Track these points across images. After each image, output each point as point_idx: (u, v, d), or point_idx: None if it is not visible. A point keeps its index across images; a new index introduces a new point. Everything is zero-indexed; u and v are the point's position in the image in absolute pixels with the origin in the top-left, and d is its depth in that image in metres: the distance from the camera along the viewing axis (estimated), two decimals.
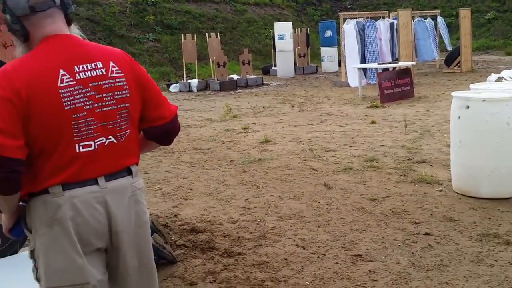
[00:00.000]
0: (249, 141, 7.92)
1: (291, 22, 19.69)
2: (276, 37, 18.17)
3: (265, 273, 3.54)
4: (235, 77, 16.29)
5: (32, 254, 2.00)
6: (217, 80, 15.34)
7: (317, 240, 4.03)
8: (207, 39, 15.96)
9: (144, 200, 2.12)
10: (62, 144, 1.89)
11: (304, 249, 3.89)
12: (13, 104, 1.80)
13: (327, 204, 4.84)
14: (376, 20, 15.13)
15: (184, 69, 15.97)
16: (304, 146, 7.38)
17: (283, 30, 18.16)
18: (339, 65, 18.35)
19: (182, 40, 15.81)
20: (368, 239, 3.99)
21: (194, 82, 15.30)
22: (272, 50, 19.11)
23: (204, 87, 15.33)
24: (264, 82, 16.40)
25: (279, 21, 21.82)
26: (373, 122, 8.88)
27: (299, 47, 19.62)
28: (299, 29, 20.22)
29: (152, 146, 2.25)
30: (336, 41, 19.00)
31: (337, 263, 3.64)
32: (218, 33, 16.96)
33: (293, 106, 11.38)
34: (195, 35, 16.61)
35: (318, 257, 3.74)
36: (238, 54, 18.03)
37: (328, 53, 19.41)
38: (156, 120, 2.12)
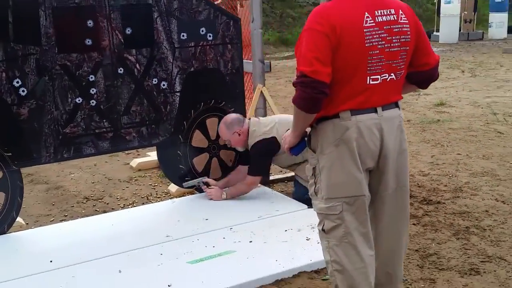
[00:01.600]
0: (422, 103, 7.90)
1: None
2: (443, 2, 17.42)
3: (468, 221, 3.66)
4: None
5: (313, 171, 2.33)
6: None
7: None
8: None
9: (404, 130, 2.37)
10: (357, 76, 2.19)
11: (504, 203, 3.94)
12: (329, 38, 2.11)
13: None
14: None
15: None
16: (483, 110, 7.21)
17: None
18: (509, 32, 17.26)
19: None
20: None
21: None
22: (436, 15, 18.39)
23: None
24: None
25: None
26: None
27: (466, 12, 18.62)
28: None
29: (409, 89, 2.48)
30: (507, 7, 17.77)
31: None
32: None
33: (463, 71, 11.01)
34: None
35: None
36: None
37: (497, 18, 18.21)
38: (423, 65, 2.35)
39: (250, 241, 3.40)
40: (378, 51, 2.18)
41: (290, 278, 3.00)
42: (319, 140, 2.29)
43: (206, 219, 3.76)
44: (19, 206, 3.65)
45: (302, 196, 3.90)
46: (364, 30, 2.15)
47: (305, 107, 2.17)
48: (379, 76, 2.22)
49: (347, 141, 2.22)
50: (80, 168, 5.18)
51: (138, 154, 5.53)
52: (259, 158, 3.97)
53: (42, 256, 3.26)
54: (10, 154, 3.53)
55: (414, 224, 3.67)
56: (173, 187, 4.46)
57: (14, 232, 3.66)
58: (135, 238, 3.49)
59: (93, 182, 4.81)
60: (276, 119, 3.99)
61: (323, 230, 2.34)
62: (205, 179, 4.19)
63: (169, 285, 2.89)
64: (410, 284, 2.93)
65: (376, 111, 2.24)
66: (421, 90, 2.49)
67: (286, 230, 3.52)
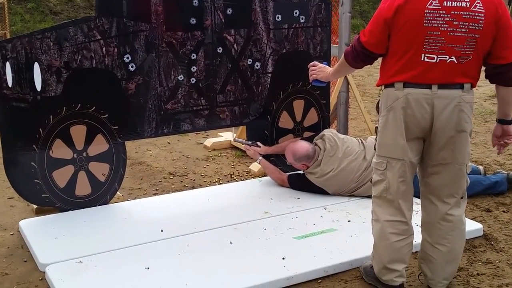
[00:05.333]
0: (476, 94, 7.80)
1: None
2: None
3: None
4: None
5: (376, 130, 2.71)
6: None
7: None
8: None
9: (469, 112, 2.50)
10: (412, 51, 2.43)
11: None
12: (385, 20, 2.43)
13: None
14: None
15: None
16: None
17: None
18: None
19: None
20: None
21: None
22: None
23: None
24: None
25: None
26: None
27: None
28: None
29: (498, 90, 2.56)
30: None
31: None
32: None
33: None
34: None
35: None
36: None
37: None
38: (497, 58, 2.48)
39: (349, 220, 3.49)
40: (438, 33, 2.39)
41: None
42: (381, 103, 2.60)
43: (298, 199, 3.86)
44: (121, 177, 3.78)
45: None
46: (425, 11, 2.38)
47: (348, 61, 2.66)
48: (435, 56, 2.41)
49: (395, 109, 2.51)
50: (156, 145, 5.31)
51: (207, 135, 5.64)
52: (297, 182, 4.01)
53: (152, 226, 3.39)
54: (117, 127, 3.66)
55: (504, 211, 3.75)
56: (254, 166, 4.57)
57: (114, 203, 3.80)
58: (235, 212, 3.61)
59: (173, 160, 4.93)
60: (341, 166, 3.80)
61: (371, 181, 2.75)
62: (258, 143, 4.23)
63: (283, 258, 3.00)
64: None
65: (430, 88, 2.44)
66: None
67: None
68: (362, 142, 3.98)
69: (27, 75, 3.39)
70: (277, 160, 4.30)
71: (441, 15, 2.37)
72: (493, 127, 2.71)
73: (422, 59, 2.42)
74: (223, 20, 3.88)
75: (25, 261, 3.10)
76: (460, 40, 2.39)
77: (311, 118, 4.46)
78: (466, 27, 2.38)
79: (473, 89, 2.52)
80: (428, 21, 2.38)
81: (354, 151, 3.87)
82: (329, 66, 4.38)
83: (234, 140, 4.83)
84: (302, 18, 4.21)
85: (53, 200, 3.57)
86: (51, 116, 3.45)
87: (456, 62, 2.42)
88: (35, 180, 3.48)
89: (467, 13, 2.37)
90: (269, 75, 4.17)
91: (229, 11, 3.89)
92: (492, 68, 2.49)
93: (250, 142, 4.25)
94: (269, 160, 4.21)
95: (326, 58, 4.36)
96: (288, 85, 4.28)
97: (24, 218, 3.55)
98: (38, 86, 3.40)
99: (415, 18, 2.38)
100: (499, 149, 2.75)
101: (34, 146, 3.44)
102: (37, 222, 3.48)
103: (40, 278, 2.91)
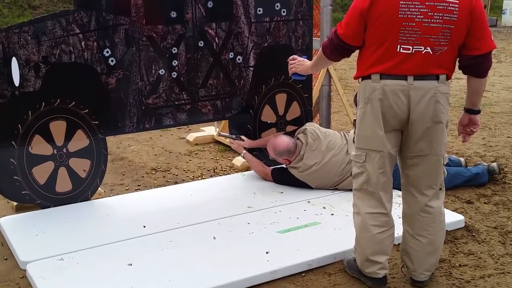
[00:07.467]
0: (457, 87, 7.95)
1: None
2: None
3: None
4: None
5: (354, 122, 2.74)
6: None
7: None
8: None
9: (445, 103, 2.50)
10: (388, 43, 2.44)
11: None
12: (362, 13, 2.44)
13: None
14: None
15: None
16: None
17: None
18: None
19: None
20: None
21: None
22: None
23: None
24: None
25: None
26: None
27: None
28: None
29: (470, 81, 2.58)
30: None
31: None
32: None
33: None
34: None
35: None
36: None
37: (511, 5, 18.23)
38: (471, 49, 2.48)
39: (332, 214, 3.50)
40: (414, 23, 2.39)
41: None
42: (359, 96, 2.60)
43: (281, 192, 3.86)
44: (102, 173, 3.74)
45: None
46: (400, 3, 2.38)
47: (326, 54, 2.66)
48: (411, 47, 2.42)
49: (372, 101, 2.52)
50: (137, 140, 5.26)
51: (190, 129, 5.60)
52: (280, 176, 3.98)
53: (134, 221, 3.36)
54: (97, 122, 3.61)
55: (485, 203, 3.78)
56: (237, 161, 4.55)
57: (95, 199, 3.75)
58: (219, 207, 3.59)
59: (155, 155, 4.89)
60: (324, 160, 3.80)
61: (351, 174, 2.76)
62: (242, 137, 4.23)
63: (267, 252, 3.00)
64: (498, 259, 3.04)
65: (406, 79, 2.45)
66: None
67: None
68: (344, 135, 3.98)
69: (5, 70, 3.33)
70: (260, 154, 4.29)
71: (416, 6, 2.38)
72: (460, 115, 2.74)
73: (398, 50, 2.43)
74: (204, 14, 3.85)
75: (6, 259, 3.06)
76: (435, 30, 2.40)
77: (294, 112, 4.45)
78: (440, 17, 2.39)
79: (449, 80, 2.53)
80: (403, 12, 2.38)
81: (337, 145, 3.87)
82: (311, 59, 4.40)
83: (219, 134, 4.81)
84: (284, 12, 4.19)
85: (33, 197, 3.52)
86: (30, 112, 3.40)
87: (431, 53, 2.42)
88: (15, 177, 3.43)
89: (442, 4, 2.39)
90: (251, 69, 4.15)
91: (210, 4, 3.85)
92: (466, 59, 2.50)
93: (234, 136, 4.23)
94: (252, 154, 4.19)
95: (307, 51, 4.35)
96: (270, 78, 4.27)
97: (4, 216, 3.50)
98: (16, 81, 3.34)
99: (390, 9, 2.39)
100: (464, 138, 2.79)
101: (13, 142, 3.38)
102: (17, 219, 3.43)
103: (21, 276, 2.87)
